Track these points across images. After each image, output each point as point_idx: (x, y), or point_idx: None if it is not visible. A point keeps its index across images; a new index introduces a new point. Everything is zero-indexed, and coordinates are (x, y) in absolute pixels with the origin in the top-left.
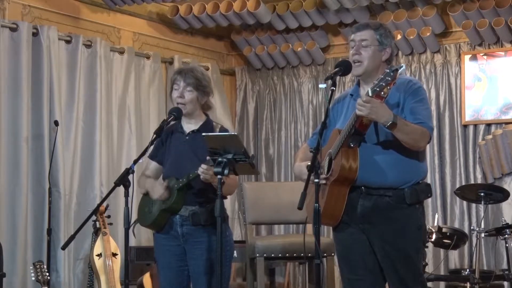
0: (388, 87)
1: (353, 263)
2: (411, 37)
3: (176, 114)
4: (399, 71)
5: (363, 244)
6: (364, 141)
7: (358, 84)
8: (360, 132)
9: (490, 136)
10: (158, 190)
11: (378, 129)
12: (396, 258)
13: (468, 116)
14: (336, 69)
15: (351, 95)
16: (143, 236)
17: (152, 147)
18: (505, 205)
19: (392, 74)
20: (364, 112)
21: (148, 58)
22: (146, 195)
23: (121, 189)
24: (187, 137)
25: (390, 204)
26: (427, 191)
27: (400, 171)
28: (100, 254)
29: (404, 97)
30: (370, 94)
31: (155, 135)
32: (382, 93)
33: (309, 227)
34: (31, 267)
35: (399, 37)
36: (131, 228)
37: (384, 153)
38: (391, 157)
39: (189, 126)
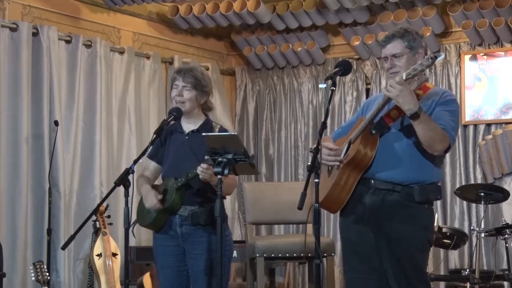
0: (423, 73)
1: (358, 260)
2: None
3: (176, 114)
4: (438, 59)
5: (369, 243)
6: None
7: None
8: (386, 124)
9: (490, 136)
10: (151, 199)
11: (403, 125)
12: (401, 255)
13: (468, 116)
14: (336, 69)
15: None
16: (143, 236)
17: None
18: (505, 205)
19: (430, 60)
20: (393, 94)
21: (148, 58)
22: None
23: (121, 189)
24: (186, 137)
25: (398, 201)
26: (437, 192)
27: (412, 169)
28: (100, 254)
29: (434, 105)
30: (404, 78)
31: (155, 135)
32: (416, 77)
33: (309, 228)
34: (31, 267)
35: None
36: (131, 228)
37: (401, 149)
38: (407, 154)
39: (188, 126)
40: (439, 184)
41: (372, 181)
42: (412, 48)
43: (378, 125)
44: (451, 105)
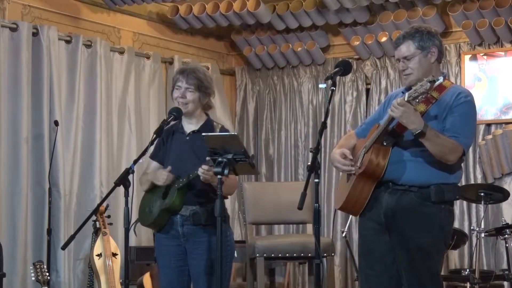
0: (423, 96)
1: (372, 258)
2: None
3: (176, 114)
4: (436, 83)
5: (384, 242)
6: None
7: None
8: (398, 133)
9: (490, 136)
10: (162, 175)
11: None
12: (414, 256)
13: None
14: (336, 69)
15: (403, 92)
16: (143, 236)
17: (152, 147)
18: (505, 205)
19: (428, 84)
20: (396, 114)
21: (148, 58)
22: (147, 193)
23: (121, 189)
24: (187, 137)
25: (415, 201)
26: (454, 191)
27: (429, 171)
28: (100, 254)
29: (449, 108)
30: (406, 99)
31: (155, 135)
32: (417, 100)
33: (310, 228)
34: (31, 267)
35: None
36: (132, 227)
37: (416, 153)
38: (423, 158)
39: (189, 126)
40: (458, 184)
41: (390, 183)
42: (424, 48)
43: (390, 136)
44: (464, 108)
